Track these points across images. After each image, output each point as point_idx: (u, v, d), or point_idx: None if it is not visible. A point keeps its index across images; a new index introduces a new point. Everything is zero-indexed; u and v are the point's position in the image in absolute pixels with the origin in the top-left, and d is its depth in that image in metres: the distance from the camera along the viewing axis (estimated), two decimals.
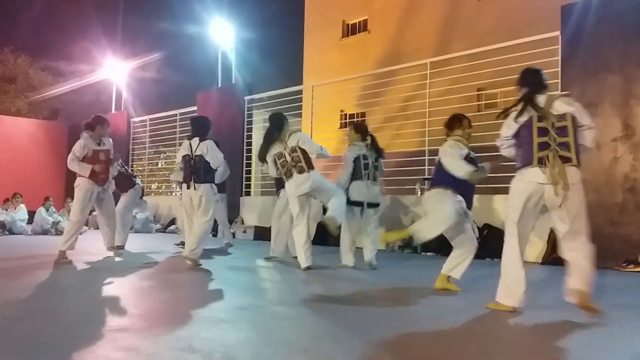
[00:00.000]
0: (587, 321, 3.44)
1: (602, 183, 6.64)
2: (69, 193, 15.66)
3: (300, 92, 11.95)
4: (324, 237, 8.97)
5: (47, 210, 11.63)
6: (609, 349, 2.80)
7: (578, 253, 3.58)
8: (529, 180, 3.63)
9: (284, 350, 2.64)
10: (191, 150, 6.04)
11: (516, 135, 3.78)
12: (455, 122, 4.75)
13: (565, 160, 3.54)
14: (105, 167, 6.60)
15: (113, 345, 2.61)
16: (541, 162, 3.58)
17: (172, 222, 12.25)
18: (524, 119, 3.71)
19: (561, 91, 7.13)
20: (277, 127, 5.92)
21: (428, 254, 7.96)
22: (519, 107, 3.75)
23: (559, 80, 7.18)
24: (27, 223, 11.79)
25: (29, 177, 15.92)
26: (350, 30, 18.51)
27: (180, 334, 2.88)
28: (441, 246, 7.86)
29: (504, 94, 12.74)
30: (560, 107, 3.64)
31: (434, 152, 8.93)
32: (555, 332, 3.18)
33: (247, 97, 11.96)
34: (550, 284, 5.09)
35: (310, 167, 5.79)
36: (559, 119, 3.60)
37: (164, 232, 12.18)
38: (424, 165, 8.85)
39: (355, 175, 6.10)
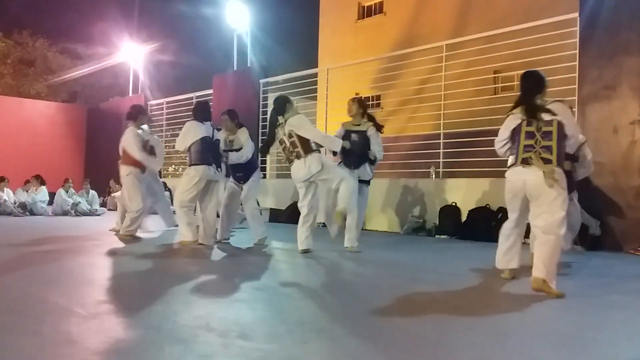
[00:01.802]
0: (593, 305, 3.47)
1: (619, 167, 6.59)
2: (88, 174, 15.93)
3: (315, 75, 11.93)
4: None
5: (67, 192, 11.84)
6: (620, 334, 2.82)
7: (539, 240, 3.84)
8: (512, 181, 4.00)
9: (299, 330, 2.70)
10: (212, 134, 6.19)
11: (511, 137, 4.09)
12: None
13: (546, 161, 3.83)
14: None
15: (132, 323, 2.70)
16: (524, 162, 3.91)
17: None
18: (516, 122, 4.03)
19: (578, 74, 7.06)
20: (279, 111, 5.66)
21: (442, 236, 7.98)
22: (514, 111, 4.07)
23: (577, 63, 7.10)
24: (48, 204, 12.01)
25: (49, 159, 16.19)
26: (366, 12, 18.34)
27: (197, 313, 2.96)
28: (455, 229, 7.90)
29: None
30: (550, 113, 3.88)
31: (449, 136, 8.96)
32: (564, 314, 3.22)
33: (262, 80, 11.98)
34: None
35: (308, 151, 5.51)
36: (546, 124, 3.88)
37: None
38: (439, 149, 8.83)
39: None
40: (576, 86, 7.08)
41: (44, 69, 26.81)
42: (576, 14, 7.20)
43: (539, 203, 3.86)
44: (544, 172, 3.80)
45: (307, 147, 5.51)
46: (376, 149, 6.15)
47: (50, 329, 2.57)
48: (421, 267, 5.15)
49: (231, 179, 6.66)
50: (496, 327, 2.85)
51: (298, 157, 5.54)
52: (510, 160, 4.10)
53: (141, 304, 3.16)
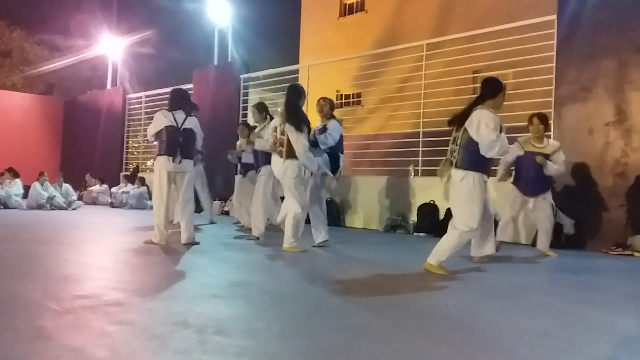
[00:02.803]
0: (568, 302, 3.54)
1: (594, 167, 6.71)
2: (64, 168, 15.71)
3: (296, 71, 11.92)
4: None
5: (42, 185, 11.63)
6: (593, 330, 2.88)
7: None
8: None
9: (276, 325, 2.71)
10: (177, 123, 5.83)
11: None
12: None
13: (452, 164, 4.55)
14: None
15: (108, 319, 2.67)
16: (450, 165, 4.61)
17: None
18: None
19: (555, 76, 7.16)
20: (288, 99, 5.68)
21: (420, 234, 8.04)
22: None
23: (554, 65, 7.20)
24: (22, 198, 11.80)
25: (24, 152, 15.91)
26: (348, 9, 18.36)
27: (174, 308, 2.94)
28: (433, 227, 7.97)
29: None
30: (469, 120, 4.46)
31: (429, 134, 9.02)
32: (536, 313, 3.27)
33: (243, 76, 11.93)
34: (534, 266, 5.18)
35: (290, 156, 5.50)
36: (464, 130, 4.46)
37: None
38: (418, 147, 8.89)
39: (341, 149, 6.23)
40: (553, 87, 7.18)
41: (20, 60, 26.29)
42: (554, 16, 7.30)
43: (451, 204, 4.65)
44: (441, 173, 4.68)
45: (290, 152, 5.50)
46: (327, 135, 6.03)
47: (24, 324, 2.54)
48: (397, 264, 5.18)
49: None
50: (472, 322, 2.88)
51: (280, 155, 5.59)
52: None
53: (117, 299, 3.13)
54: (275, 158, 5.70)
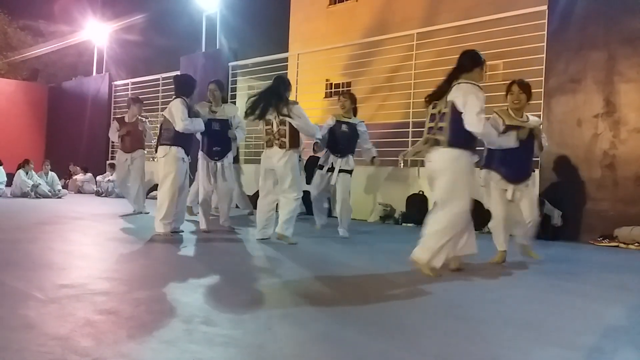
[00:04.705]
0: (554, 293, 3.55)
1: (582, 159, 6.74)
2: (48, 155, 15.51)
3: (285, 59, 11.81)
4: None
5: (27, 173, 11.47)
6: (578, 321, 2.88)
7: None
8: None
9: (264, 315, 2.68)
10: None
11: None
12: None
13: (435, 142, 4.27)
14: None
15: (93, 308, 2.63)
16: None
17: (155, 187, 12.16)
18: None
19: (546, 67, 7.16)
20: (278, 92, 5.39)
21: (409, 225, 8.04)
22: None
23: (544, 55, 7.19)
24: (6, 186, 11.64)
25: (7, 139, 15.70)
26: None
27: (160, 298, 2.90)
28: (421, 217, 7.96)
29: (489, 68, 12.71)
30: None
31: (419, 124, 8.99)
32: (520, 301, 3.27)
33: (231, 63, 11.82)
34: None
35: (293, 146, 5.36)
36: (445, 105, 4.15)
37: (146, 197, 12.06)
38: (408, 137, 8.87)
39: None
40: (543, 78, 7.18)
41: (3, 46, 25.85)
42: (545, 7, 7.28)
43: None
44: None
45: (293, 142, 5.36)
46: (370, 146, 6.69)
47: (7, 313, 2.49)
48: (387, 254, 5.18)
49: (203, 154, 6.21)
50: (459, 312, 2.88)
51: (281, 146, 5.33)
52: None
53: (102, 288, 3.09)
54: (270, 151, 5.40)
